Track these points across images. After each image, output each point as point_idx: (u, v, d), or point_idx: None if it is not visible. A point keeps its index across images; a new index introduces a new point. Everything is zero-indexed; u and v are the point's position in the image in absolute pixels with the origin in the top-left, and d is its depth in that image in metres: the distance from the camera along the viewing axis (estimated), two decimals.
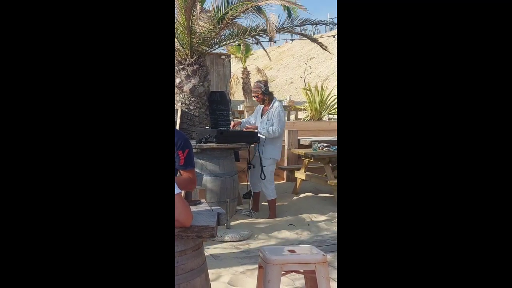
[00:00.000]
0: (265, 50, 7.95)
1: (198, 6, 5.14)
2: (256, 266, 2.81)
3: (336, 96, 10.13)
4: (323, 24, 7.20)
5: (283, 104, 12.64)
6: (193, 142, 4.79)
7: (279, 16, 5.57)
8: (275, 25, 5.27)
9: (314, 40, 6.47)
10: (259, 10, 5.32)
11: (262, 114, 5.25)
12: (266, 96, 5.14)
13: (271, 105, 5.15)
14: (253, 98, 5.49)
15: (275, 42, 7.05)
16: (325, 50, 6.40)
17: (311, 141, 6.48)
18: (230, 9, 5.57)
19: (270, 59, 12.51)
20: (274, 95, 5.41)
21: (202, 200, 2.37)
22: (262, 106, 5.27)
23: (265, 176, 5.05)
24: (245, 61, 13.67)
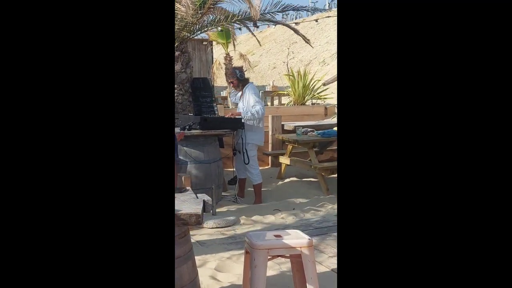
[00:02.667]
0: (253, 34, 7.93)
1: None
2: (243, 251, 2.83)
3: (319, 80, 10.14)
4: (305, 10, 7.24)
5: (266, 90, 12.59)
6: (176, 130, 4.75)
7: (261, 1, 5.50)
8: (258, 7, 5.23)
9: (296, 31, 6.49)
10: None
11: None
12: (241, 82, 5.16)
13: (244, 90, 5.17)
14: (230, 84, 5.51)
15: (257, 26, 6.98)
16: (304, 39, 6.44)
17: (295, 126, 6.48)
18: None
19: (260, 44, 12.35)
20: (251, 81, 5.43)
21: (188, 188, 2.37)
22: (239, 93, 5.28)
23: (249, 160, 5.06)
24: (227, 47, 13.53)
